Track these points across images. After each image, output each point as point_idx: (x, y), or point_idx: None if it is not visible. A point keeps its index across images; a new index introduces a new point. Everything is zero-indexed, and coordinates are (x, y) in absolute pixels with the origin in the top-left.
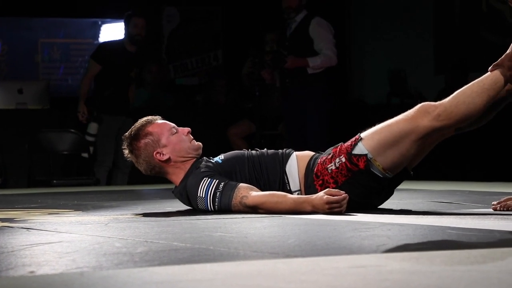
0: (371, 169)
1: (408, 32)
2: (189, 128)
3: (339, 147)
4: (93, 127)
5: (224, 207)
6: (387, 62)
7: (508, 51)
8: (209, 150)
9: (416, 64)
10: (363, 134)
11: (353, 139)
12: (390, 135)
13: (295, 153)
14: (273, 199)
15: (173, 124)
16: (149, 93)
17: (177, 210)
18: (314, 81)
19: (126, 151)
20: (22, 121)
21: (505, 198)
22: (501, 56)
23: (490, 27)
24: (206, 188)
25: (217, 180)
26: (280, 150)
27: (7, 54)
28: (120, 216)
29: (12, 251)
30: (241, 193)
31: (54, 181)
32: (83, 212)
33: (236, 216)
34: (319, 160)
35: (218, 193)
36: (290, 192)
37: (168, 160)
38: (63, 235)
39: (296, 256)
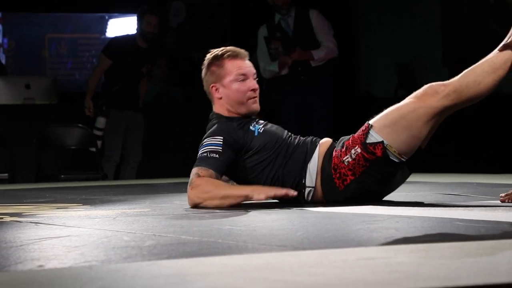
0: (389, 156)
1: (415, 25)
2: (257, 87)
3: (351, 138)
4: (101, 122)
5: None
6: (394, 55)
7: None
8: None
9: (423, 56)
10: (372, 121)
11: (363, 128)
12: (402, 119)
13: (318, 147)
14: (220, 196)
15: (251, 71)
16: (158, 88)
17: (186, 203)
18: (322, 74)
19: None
20: (29, 116)
21: None
22: (510, 34)
23: (497, 19)
24: (201, 147)
25: (209, 147)
26: (309, 140)
27: (14, 50)
28: (128, 210)
29: (21, 245)
30: (198, 173)
31: (62, 176)
32: (91, 206)
33: (244, 209)
34: (334, 153)
35: (200, 155)
36: (304, 186)
37: (218, 99)
38: (71, 229)
39: (304, 248)
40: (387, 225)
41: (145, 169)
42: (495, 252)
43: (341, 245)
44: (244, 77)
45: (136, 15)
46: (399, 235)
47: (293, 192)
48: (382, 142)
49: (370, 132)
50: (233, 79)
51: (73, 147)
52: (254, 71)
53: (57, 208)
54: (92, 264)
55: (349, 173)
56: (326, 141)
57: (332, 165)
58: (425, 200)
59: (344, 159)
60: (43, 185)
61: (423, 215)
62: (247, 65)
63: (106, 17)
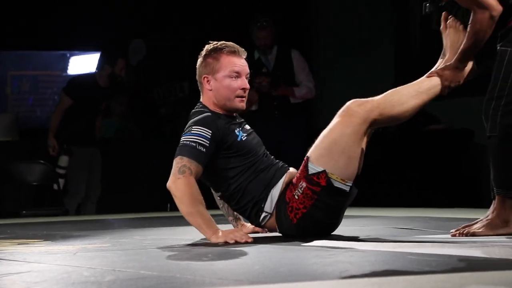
0: (334, 185)
1: (369, 64)
2: (248, 87)
3: (297, 173)
4: (63, 160)
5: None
6: (351, 90)
7: (450, 63)
8: None
9: (378, 90)
10: (309, 153)
11: (303, 162)
12: (334, 145)
13: (285, 176)
14: (191, 213)
15: (245, 70)
16: (117, 124)
17: (145, 238)
18: (297, 111)
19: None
20: None
21: (463, 225)
22: (439, 63)
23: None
24: (188, 133)
25: (196, 137)
26: (279, 166)
27: None
28: (89, 246)
29: None
30: (186, 165)
31: (24, 212)
32: (52, 242)
33: (202, 245)
34: (289, 186)
35: (185, 142)
36: (261, 210)
37: (208, 91)
38: (32, 265)
39: (260, 283)
40: (341, 259)
41: (105, 204)
42: (446, 285)
43: (296, 279)
44: (237, 75)
45: (98, 52)
46: (353, 269)
47: (251, 240)
48: (324, 171)
49: (309, 164)
50: (226, 75)
51: (34, 183)
52: (248, 70)
53: (18, 243)
54: None
55: (301, 206)
56: (292, 171)
57: (286, 198)
58: (378, 234)
59: (294, 193)
60: (5, 221)
61: (376, 249)
62: (242, 64)
63: (68, 55)
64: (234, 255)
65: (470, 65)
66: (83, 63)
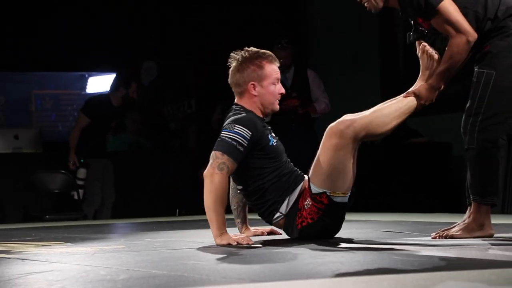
0: (335, 200)
1: (357, 80)
2: (284, 92)
3: (305, 189)
4: (82, 173)
5: (214, 148)
6: (340, 107)
7: (427, 83)
8: (183, 192)
9: (365, 105)
10: (310, 175)
11: (308, 181)
12: (332, 169)
13: (302, 183)
14: (212, 209)
15: (279, 76)
16: (131, 139)
17: (156, 240)
18: (311, 124)
19: (235, 57)
20: (18, 164)
21: (442, 229)
22: (416, 84)
23: None
24: (230, 130)
25: (237, 136)
26: (297, 174)
27: (5, 105)
28: (105, 247)
29: (8, 280)
30: (225, 162)
31: (47, 217)
32: (72, 243)
33: (207, 246)
34: (303, 194)
35: (226, 139)
36: (277, 210)
37: (253, 96)
38: (54, 265)
39: (260, 281)
40: (333, 259)
41: (119, 209)
42: (428, 283)
43: (292, 278)
44: (277, 81)
45: (113, 73)
46: (344, 268)
47: (252, 242)
48: (324, 192)
49: (312, 186)
50: (271, 82)
51: (56, 191)
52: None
53: (42, 245)
54: None
55: (309, 216)
56: (307, 179)
57: (299, 205)
58: (367, 237)
59: (305, 203)
60: (30, 225)
61: (365, 250)
62: (278, 71)
63: (86, 75)
64: (237, 256)
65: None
66: (99, 83)
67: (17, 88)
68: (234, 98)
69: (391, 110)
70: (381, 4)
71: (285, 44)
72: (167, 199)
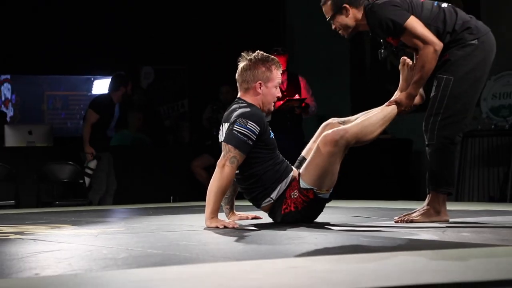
0: (319, 196)
1: (330, 86)
2: (280, 95)
3: (293, 182)
4: (93, 164)
5: (226, 139)
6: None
7: (406, 92)
8: (176, 182)
9: (337, 110)
10: (301, 171)
11: (298, 176)
12: (323, 171)
13: (291, 174)
14: (213, 194)
15: (281, 82)
16: (133, 135)
17: (152, 224)
18: (300, 123)
19: (246, 57)
20: (31, 156)
21: (404, 214)
22: (396, 93)
23: (392, 81)
24: (243, 125)
25: (249, 132)
26: (286, 165)
27: (20, 104)
28: (107, 229)
29: (21, 258)
30: (236, 156)
31: (56, 203)
32: (78, 226)
33: (198, 229)
34: (291, 184)
35: (238, 134)
36: (268, 196)
37: (258, 94)
38: (62, 245)
39: (244, 259)
40: (308, 241)
41: (121, 197)
42: (389, 261)
43: (272, 257)
44: (278, 86)
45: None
46: (318, 248)
47: (237, 226)
48: (312, 189)
49: (301, 181)
50: (274, 85)
51: (65, 180)
52: None
53: (52, 228)
54: (77, 273)
55: (292, 205)
56: (295, 170)
57: (287, 194)
58: (338, 221)
59: (292, 193)
60: (41, 210)
61: (336, 232)
62: (281, 77)
63: (92, 79)
64: (223, 238)
65: (420, 93)
66: (103, 85)
67: (31, 90)
68: (221, 101)
69: (377, 119)
70: (351, 32)
71: (281, 51)
72: (163, 188)
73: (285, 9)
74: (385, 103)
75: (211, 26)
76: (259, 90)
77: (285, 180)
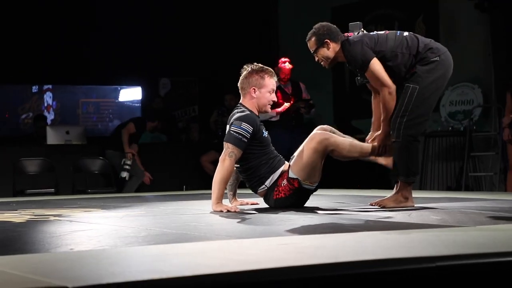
0: (304, 186)
1: (315, 94)
2: (275, 99)
3: (285, 173)
4: (130, 161)
5: (225, 138)
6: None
7: (382, 132)
8: (187, 174)
9: (321, 115)
10: (291, 163)
11: (287, 165)
12: (309, 165)
13: (283, 166)
14: (217, 184)
15: (274, 88)
16: (152, 134)
17: (168, 208)
18: (302, 122)
19: (246, 68)
20: (68, 152)
21: (378, 200)
22: (370, 134)
23: (369, 92)
24: (238, 126)
25: (243, 131)
26: (279, 158)
27: (59, 109)
28: (131, 212)
29: (59, 236)
30: (234, 151)
31: (89, 190)
32: (106, 210)
33: (205, 213)
34: (283, 174)
35: (235, 133)
36: (263, 184)
37: (252, 98)
38: (92, 225)
39: (243, 237)
40: (297, 222)
41: (142, 186)
42: (366, 239)
43: (267, 235)
44: (272, 91)
45: (138, 87)
46: (304, 229)
47: (238, 210)
48: (297, 179)
49: (290, 171)
50: (267, 91)
51: (96, 172)
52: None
53: (85, 211)
54: (105, 248)
55: (282, 192)
56: (287, 163)
57: (278, 182)
58: (322, 206)
59: (282, 182)
60: (76, 196)
61: (320, 215)
62: (275, 84)
63: (119, 88)
64: (226, 219)
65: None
66: (128, 94)
67: (69, 97)
68: (226, 106)
69: (357, 146)
70: (331, 63)
71: (289, 63)
72: (177, 178)
73: (277, 28)
74: (368, 140)
75: (217, 46)
76: (253, 95)
77: (277, 171)
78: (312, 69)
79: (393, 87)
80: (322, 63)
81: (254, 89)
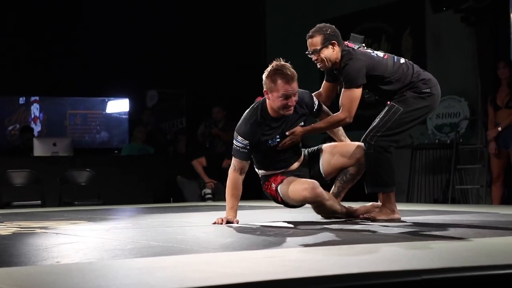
0: (285, 202)
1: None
2: (291, 104)
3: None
4: (209, 190)
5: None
6: None
7: (302, 128)
8: (175, 186)
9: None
10: (281, 185)
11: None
12: (294, 199)
13: (281, 171)
14: (226, 196)
15: (292, 93)
16: (139, 146)
17: (155, 220)
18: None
19: (270, 65)
20: (55, 163)
21: (363, 208)
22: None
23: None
24: (235, 138)
25: (239, 143)
26: (285, 165)
27: (46, 120)
28: (118, 225)
29: (45, 248)
30: (234, 163)
31: (76, 202)
32: (93, 222)
33: (192, 225)
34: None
35: (234, 145)
36: (258, 169)
37: (268, 98)
38: (79, 238)
39: (230, 250)
40: (283, 234)
41: (128, 197)
42: (349, 252)
43: (253, 248)
44: (286, 96)
45: (126, 98)
46: (291, 242)
47: (237, 221)
48: (282, 196)
49: (278, 187)
50: (278, 95)
51: (83, 184)
52: (295, 92)
53: (71, 223)
54: (91, 261)
55: (268, 190)
56: (294, 165)
57: (270, 179)
58: (309, 218)
59: (272, 183)
60: (62, 208)
61: (307, 229)
62: (290, 89)
63: (106, 100)
64: (214, 232)
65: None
66: (116, 105)
67: (56, 109)
68: (213, 119)
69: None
70: (329, 66)
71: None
72: (164, 190)
73: (266, 41)
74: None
75: (205, 58)
76: (267, 96)
77: (268, 170)
78: (300, 81)
79: (351, 119)
80: (320, 64)
81: (266, 92)
